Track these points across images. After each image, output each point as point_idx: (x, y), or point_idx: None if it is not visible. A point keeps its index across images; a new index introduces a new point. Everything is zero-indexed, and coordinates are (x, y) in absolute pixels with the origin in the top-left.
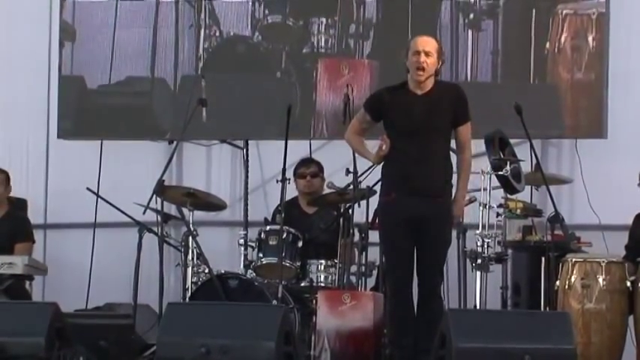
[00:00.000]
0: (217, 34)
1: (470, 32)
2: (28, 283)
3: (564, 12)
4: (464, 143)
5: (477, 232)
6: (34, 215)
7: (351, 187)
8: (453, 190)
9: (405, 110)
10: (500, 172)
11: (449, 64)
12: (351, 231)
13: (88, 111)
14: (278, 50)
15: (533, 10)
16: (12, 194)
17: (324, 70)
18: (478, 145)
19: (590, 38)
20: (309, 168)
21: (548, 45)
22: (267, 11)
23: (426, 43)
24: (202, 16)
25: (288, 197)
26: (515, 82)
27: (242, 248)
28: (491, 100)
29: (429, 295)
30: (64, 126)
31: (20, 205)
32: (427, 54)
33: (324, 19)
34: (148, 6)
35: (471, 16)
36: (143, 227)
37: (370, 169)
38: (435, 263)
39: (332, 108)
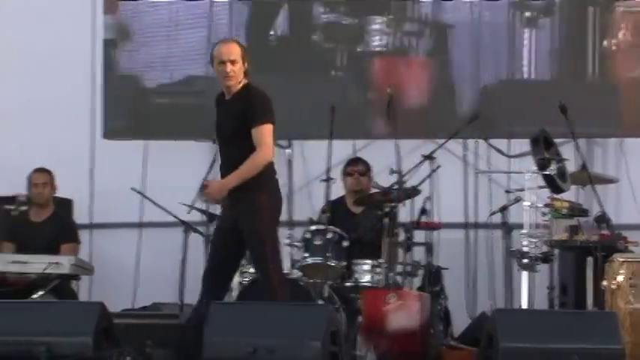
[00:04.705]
0: (272, 32)
1: (527, 30)
2: (74, 282)
3: (622, 9)
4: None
5: (523, 232)
6: (79, 215)
7: (396, 186)
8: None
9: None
10: (545, 172)
11: (506, 63)
12: (396, 231)
13: (142, 110)
14: (334, 49)
15: (591, 8)
16: (57, 194)
17: (379, 68)
18: (524, 145)
19: None
20: (357, 166)
21: (605, 42)
22: (323, 10)
23: (230, 52)
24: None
25: (334, 197)
26: (574, 79)
27: (287, 248)
28: (549, 98)
29: None
30: (112, 126)
31: (65, 205)
32: (232, 62)
33: (379, 18)
34: (202, 5)
35: (528, 14)
36: (188, 227)
37: (414, 169)
38: None
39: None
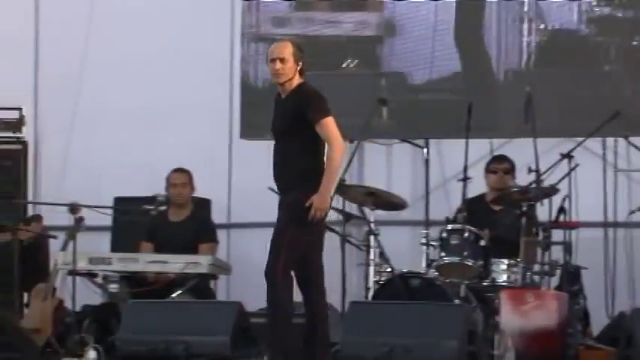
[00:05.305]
0: (542, 27)
1: None
2: (212, 282)
3: None
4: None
5: None
6: (217, 215)
7: (534, 185)
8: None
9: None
10: None
11: None
12: (535, 230)
13: None
14: (606, 43)
15: None
16: (196, 194)
17: None
18: None
19: None
20: (502, 164)
21: None
22: (594, 2)
23: (279, 50)
24: (526, 9)
25: (473, 195)
26: None
27: (424, 247)
28: None
29: None
30: (250, 126)
31: (204, 205)
32: (281, 60)
33: None
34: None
35: None
36: (325, 226)
37: (551, 168)
38: None
39: None
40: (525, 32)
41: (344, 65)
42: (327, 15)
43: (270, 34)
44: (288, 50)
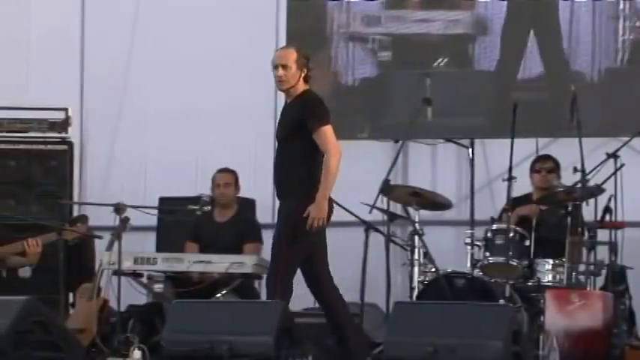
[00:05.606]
0: (638, 24)
1: None
2: (257, 282)
3: None
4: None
5: None
6: (262, 215)
7: (579, 185)
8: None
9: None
10: None
11: None
12: (580, 230)
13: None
14: None
15: None
16: (240, 194)
17: None
18: None
19: None
20: (546, 163)
21: None
22: None
23: (282, 57)
24: (622, 7)
25: (518, 195)
26: None
27: (468, 247)
28: None
29: None
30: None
31: (249, 205)
32: (284, 67)
33: None
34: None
35: None
36: (370, 226)
37: (597, 168)
38: None
39: None
40: (620, 30)
41: (435, 65)
42: (418, 13)
43: (362, 34)
44: (291, 57)
